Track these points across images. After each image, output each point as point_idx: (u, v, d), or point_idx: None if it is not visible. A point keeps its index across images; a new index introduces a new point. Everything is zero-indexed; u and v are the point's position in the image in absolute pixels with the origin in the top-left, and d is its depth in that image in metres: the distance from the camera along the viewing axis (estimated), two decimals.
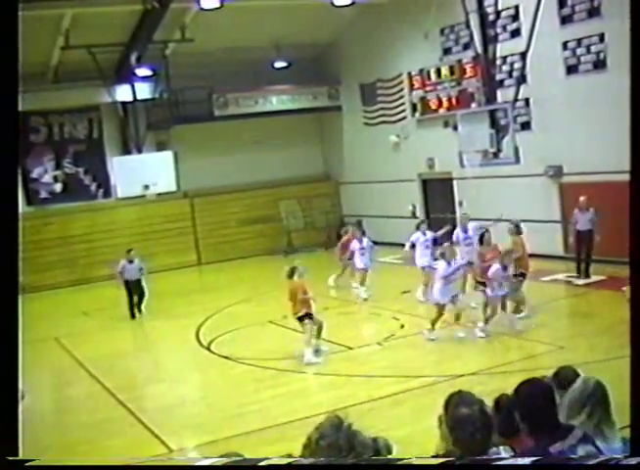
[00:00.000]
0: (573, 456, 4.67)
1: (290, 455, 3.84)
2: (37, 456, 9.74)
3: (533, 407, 5.01)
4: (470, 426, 4.70)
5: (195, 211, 33.42)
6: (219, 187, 33.20)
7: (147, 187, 28.28)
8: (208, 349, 18.32)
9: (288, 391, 14.29)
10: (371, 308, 20.76)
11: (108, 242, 30.65)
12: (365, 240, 23.15)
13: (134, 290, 22.78)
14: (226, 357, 17.30)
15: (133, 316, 22.68)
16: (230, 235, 31.16)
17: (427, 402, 11.92)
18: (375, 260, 23.38)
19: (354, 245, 22.74)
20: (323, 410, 11.22)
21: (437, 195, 30.01)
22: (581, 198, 21.30)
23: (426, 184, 30.65)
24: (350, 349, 16.84)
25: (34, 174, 32.12)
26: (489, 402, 5.20)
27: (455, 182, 28.38)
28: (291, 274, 16.49)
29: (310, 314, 16.21)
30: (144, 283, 22.99)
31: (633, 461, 3.80)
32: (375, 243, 23.93)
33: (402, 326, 18.25)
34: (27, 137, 31.86)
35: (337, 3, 27.36)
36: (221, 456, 4.15)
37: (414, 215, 30.64)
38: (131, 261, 22.88)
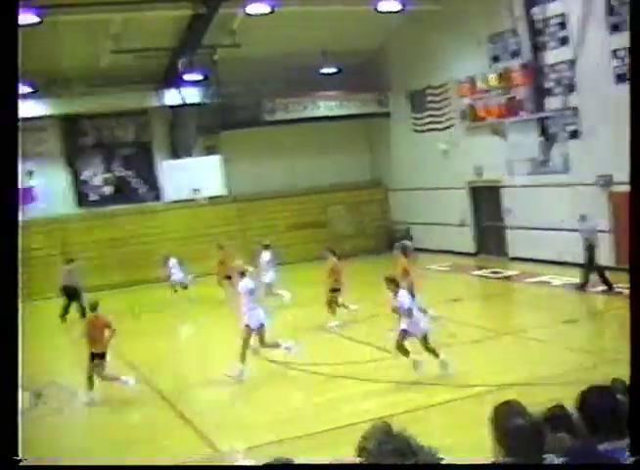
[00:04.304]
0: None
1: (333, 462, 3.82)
2: (83, 454, 9.75)
3: (603, 414, 4.97)
4: (522, 437, 4.64)
5: (243, 216, 33.52)
6: (268, 192, 33.34)
7: (196, 191, 28.43)
8: (259, 352, 18.33)
9: (337, 396, 14.29)
10: None
11: (156, 245, 30.84)
12: None
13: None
14: (277, 362, 17.30)
15: None
16: (278, 240, 31.14)
17: (476, 412, 11.79)
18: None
19: None
20: (372, 417, 11.18)
21: (486, 203, 29.83)
22: None
23: (474, 192, 30.48)
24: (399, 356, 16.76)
25: (84, 177, 32.53)
26: (540, 413, 5.13)
27: (503, 190, 28.20)
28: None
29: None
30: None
31: (633, 461, 3.79)
32: (422, 250, 23.85)
33: (452, 335, 18.10)
34: (77, 140, 32.25)
35: (383, 10, 27.29)
36: (270, 461, 4.15)
37: (463, 223, 30.51)
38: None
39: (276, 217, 33.64)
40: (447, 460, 4.18)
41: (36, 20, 23.60)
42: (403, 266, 19.07)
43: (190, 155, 31.82)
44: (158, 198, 32.96)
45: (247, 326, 16.11)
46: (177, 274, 26.23)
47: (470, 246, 30.71)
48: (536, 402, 5.41)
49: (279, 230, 33.03)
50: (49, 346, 21.29)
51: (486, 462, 4.72)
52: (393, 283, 15.21)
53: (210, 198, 29.29)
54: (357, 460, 3.91)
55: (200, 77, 31.15)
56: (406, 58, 32.54)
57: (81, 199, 32.64)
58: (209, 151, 32.36)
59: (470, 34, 28.14)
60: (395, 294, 15.04)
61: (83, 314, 24.38)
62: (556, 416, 5.33)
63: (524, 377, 13.95)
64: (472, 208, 30.74)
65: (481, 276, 26.88)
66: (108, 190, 32.94)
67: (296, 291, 23.31)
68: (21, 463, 3.62)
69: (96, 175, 32.87)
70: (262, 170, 33.13)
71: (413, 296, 18.14)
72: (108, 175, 32.96)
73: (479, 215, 30.57)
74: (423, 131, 32.54)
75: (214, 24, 27.98)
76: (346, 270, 21.74)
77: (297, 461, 4.14)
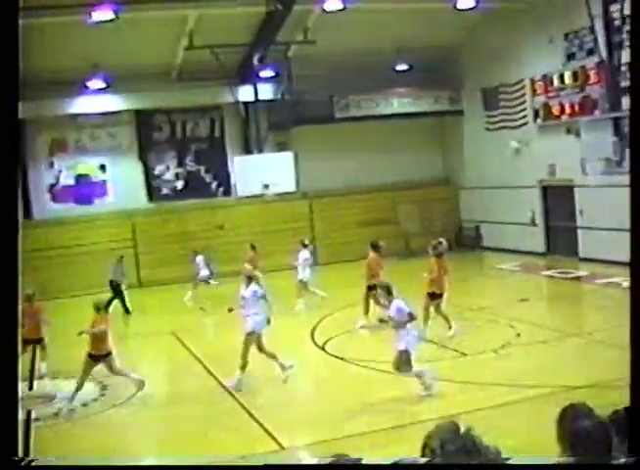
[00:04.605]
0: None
1: (398, 461, 3.81)
2: (146, 447, 9.87)
3: None
4: (589, 440, 4.60)
5: (313, 212, 33.61)
6: (338, 188, 33.37)
7: (267, 187, 28.55)
8: (323, 349, 18.38)
9: (399, 395, 14.24)
10: (488, 316, 20.49)
11: (226, 239, 31.09)
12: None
13: None
14: (340, 358, 17.33)
15: None
16: (347, 237, 31.20)
17: (540, 413, 11.70)
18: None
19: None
20: (434, 416, 11.19)
21: (557, 202, 29.51)
22: None
23: (546, 191, 30.17)
24: (465, 355, 16.69)
25: (157, 171, 32.90)
26: (606, 416, 5.08)
27: (576, 190, 27.87)
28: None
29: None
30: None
31: (633, 461, 3.75)
32: (492, 249, 23.66)
33: (518, 335, 17.97)
34: (151, 135, 32.64)
35: (460, 7, 27.18)
36: (332, 458, 4.16)
37: (533, 222, 30.23)
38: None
39: (345, 214, 33.65)
40: (512, 461, 4.16)
41: (112, 16, 23.94)
42: (433, 268, 18.47)
43: (261, 151, 31.98)
44: (228, 193, 33.19)
45: (248, 333, 15.62)
46: (203, 271, 26.57)
47: (540, 245, 30.42)
48: (602, 405, 5.36)
49: (347, 227, 33.02)
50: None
51: (551, 463, 4.69)
52: (387, 290, 14.30)
53: (280, 194, 29.38)
54: (421, 460, 3.89)
55: (272, 74, 31.32)
56: (480, 55, 32.31)
57: (153, 193, 33.01)
58: (281, 147, 32.51)
59: (544, 32, 27.87)
60: (389, 302, 14.12)
61: (127, 311, 25.48)
62: (622, 419, 5.28)
63: (589, 379, 13.80)
64: (543, 207, 30.43)
65: (550, 276, 26.62)
66: (179, 184, 33.27)
67: (351, 290, 23.11)
68: (22, 463, 3.64)
69: (168, 170, 33.21)
70: (333, 167, 33.14)
71: (438, 296, 18.11)
72: (179, 170, 33.27)
73: (549, 215, 30.25)
74: (495, 129, 32.31)
75: (289, 21, 28.08)
76: (414, 268, 21.61)
77: (356, 458, 4.15)
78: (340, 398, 14.56)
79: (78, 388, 15.13)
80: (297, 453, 12.08)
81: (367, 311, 20.26)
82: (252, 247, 26.28)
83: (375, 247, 21.06)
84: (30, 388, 15.71)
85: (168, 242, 30.89)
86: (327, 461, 3.99)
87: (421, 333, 17.49)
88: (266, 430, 12.92)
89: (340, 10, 26.20)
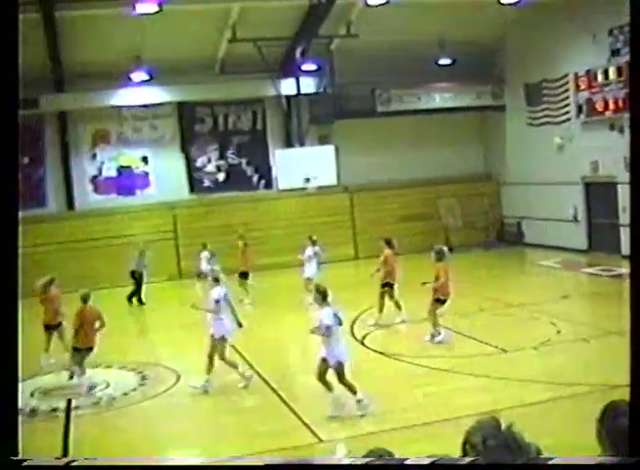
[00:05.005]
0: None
1: (433, 456, 3.78)
2: (187, 438, 9.90)
3: None
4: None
5: (354, 206, 33.61)
6: (379, 183, 33.33)
7: (308, 180, 28.59)
8: (362, 343, 18.37)
9: (439, 390, 14.22)
10: (529, 312, 20.38)
11: (266, 232, 31.20)
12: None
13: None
14: (380, 353, 17.32)
15: None
16: (388, 231, 30.99)
17: (579, 412, 11.63)
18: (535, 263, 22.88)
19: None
20: (472, 412, 11.12)
21: (600, 199, 29.26)
22: None
23: (588, 188, 29.93)
24: (505, 351, 16.61)
25: (199, 163, 33.02)
26: None
27: (620, 187, 27.61)
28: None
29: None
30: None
31: (633, 461, 3.68)
32: (533, 245, 23.50)
33: (559, 332, 17.86)
34: (193, 127, 32.78)
35: (504, 1, 27.02)
36: (369, 452, 4.15)
37: (575, 219, 30.02)
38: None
39: (386, 208, 33.62)
40: (554, 461, 4.13)
41: (155, 8, 24.04)
42: (438, 272, 17.74)
43: (302, 144, 32.01)
44: (269, 186, 33.25)
45: (221, 338, 15.20)
46: (204, 266, 26.80)
47: (581, 242, 30.19)
48: None
49: (388, 221, 32.94)
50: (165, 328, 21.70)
51: (590, 462, 4.66)
52: (322, 295, 13.03)
53: (321, 187, 29.40)
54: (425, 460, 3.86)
55: (315, 67, 31.32)
56: (523, 50, 32.11)
57: (194, 185, 33.15)
58: (322, 140, 32.52)
59: (588, 28, 27.64)
60: (321, 309, 13.04)
61: (140, 302, 26.06)
62: None
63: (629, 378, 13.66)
64: (585, 204, 30.19)
65: (592, 274, 26.42)
66: (221, 177, 33.38)
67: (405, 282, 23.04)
68: (24, 463, 3.64)
69: (210, 162, 33.34)
70: (374, 161, 33.09)
71: (443, 302, 17.77)
72: (221, 162, 33.38)
73: (592, 212, 30.01)
74: (538, 125, 32.10)
75: (331, 14, 28.07)
76: (456, 263, 21.50)
77: (395, 453, 4.14)
78: (379, 391, 14.52)
79: (71, 377, 15.46)
80: (334, 447, 12.10)
81: (382, 309, 20.17)
82: (241, 236, 26.43)
83: (389, 243, 20.70)
84: (71, 377, 15.82)
85: (209, 234, 30.97)
86: (362, 462, 3.97)
87: (446, 336, 17.53)
88: (304, 423, 12.94)
89: (383, 3, 26.12)
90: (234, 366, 15.38)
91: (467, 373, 15.19)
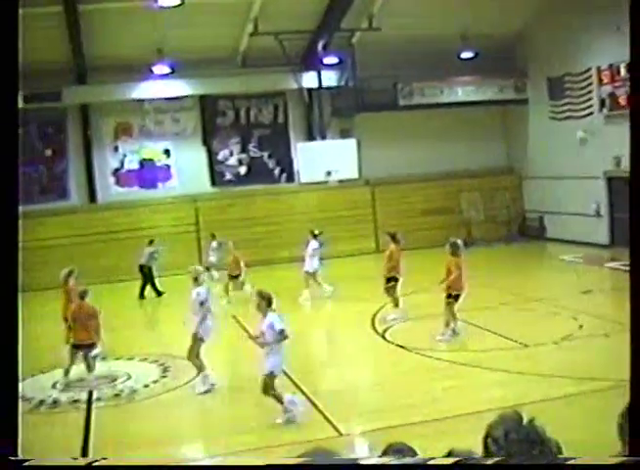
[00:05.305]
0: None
1: (451, 451, 3.77)
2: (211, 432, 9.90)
3: None
4: None
5: (375, 199, 33.58)
6: (400, 176, 33.27)
7: (329, 173, 28.58)
8: (383, 336, 18.37)
9: (459, 384, 14.22)
10: (550, 307, 20.31)
11: (288, 225, 31.22)
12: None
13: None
14: (401, 346, 17.31)
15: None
16: (409, 225, 30.97)
17: (600, 406, 11.58)
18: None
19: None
20: (492, 406, 11.12)
21: (623, 194, 29.07)
22: None
23: (611, 183, 29.77)
24: (526, 346, 16.57)
25: (220, 156, 33.06)
26: None
27: None
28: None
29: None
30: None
31: (633, 461, 3.66)
32: (555, 240, 23.39)
33: (581, 327, 17.80)
34: (215, 120, 32.82)
35: None
36: (388, 446, 4.14)
37: (598, 214, 29.88)
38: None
39: (407, 202, 33.56)
40: (575, 461, 4.11)
41: (178, 1, 24.08)
42: (450, 266, 17.42)
43: (324, 137, 31.99)
44: (291, 179, 33.27)
45: (201, 339, 15.00)
46: (212, 257, 27.25)
47: (603, 237, 30.05)
48: None
49: (410, 215, 32.89)
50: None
51: (613, 463, 4.64)
52: (267, 301, 12.65)
53: (343, 181, 29.39)
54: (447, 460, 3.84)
55: (336, 60, 31.29)
56: (545, 44, 31.94)
57: (216, 178, 33.20)
58: (344, 134, 32.49)
59: (611, 21, 27.44)
60: (264, 315, 12.60)
61: (158, 293, 26.23)
62: None
63: None
64: (607, 198, 30.04)
65: (614, 269, 26.29)
66: (242, 170, 33.41)
67: (414, 278, 22.91)
68: (25, 464, 3.63)
69: (232, 155, 33.37)
70: (395, 154, 33.03)
71: (456, 298, 17.44)
72: (243, 155, 33.42)
73: (614, 206, 29.85)
74: (560, 119, 31.94)
75: (353, 7, 28.04)
76: (477, 257, 21.46)
77: (416, 448, 4.13)
78: (400, 385, 14.55)
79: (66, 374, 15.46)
80: (354, 441, 12.12)
81: (397, 304, 20.14)
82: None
83: (394, 238, 20.70)
84: (66, 374, 15.84)
85: (231, 227, 30.98)
86: (378, 460, 3.96)
87: (456, 332, 17.45)
88: (326, 417, 12.95)
89: None
90: (201, 368, 15.06)
91: (487, 367, 15.17)
